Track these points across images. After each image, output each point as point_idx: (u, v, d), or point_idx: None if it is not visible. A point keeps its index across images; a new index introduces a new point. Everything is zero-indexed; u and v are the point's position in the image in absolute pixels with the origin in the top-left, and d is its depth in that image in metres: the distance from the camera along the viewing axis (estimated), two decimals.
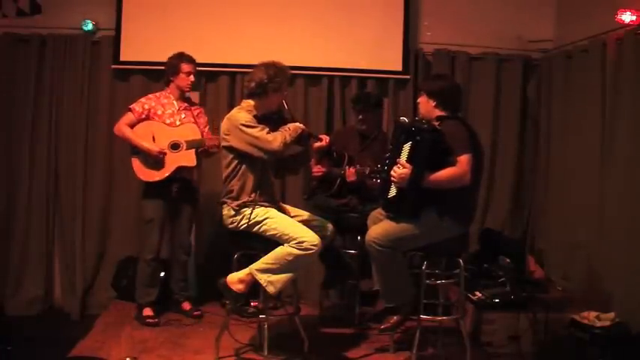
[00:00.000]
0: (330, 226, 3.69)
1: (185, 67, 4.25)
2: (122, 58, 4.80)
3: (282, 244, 3.41)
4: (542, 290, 4.25)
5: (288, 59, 3.72)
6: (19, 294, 4.74)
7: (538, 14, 5.08)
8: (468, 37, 5.05)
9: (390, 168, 3.38)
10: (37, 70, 4.77)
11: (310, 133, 3.75)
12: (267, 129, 3.49)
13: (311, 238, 3.39)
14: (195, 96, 4.82)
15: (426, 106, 3.50)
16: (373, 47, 4.96)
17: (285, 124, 3.62)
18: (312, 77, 4.97)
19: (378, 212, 3.61)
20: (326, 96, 4.98)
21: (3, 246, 4.77)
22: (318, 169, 4.33)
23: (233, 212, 3.52)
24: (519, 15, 5.08)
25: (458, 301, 3.72)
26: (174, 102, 4.30)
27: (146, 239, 4.26)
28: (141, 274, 4.28)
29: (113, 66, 4.82)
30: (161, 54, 4.34)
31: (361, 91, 4.88)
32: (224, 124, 3.58)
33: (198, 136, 4.24)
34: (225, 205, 3.57)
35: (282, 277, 3.40)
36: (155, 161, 4.15)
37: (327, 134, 4.15)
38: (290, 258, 3.38)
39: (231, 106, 4.43)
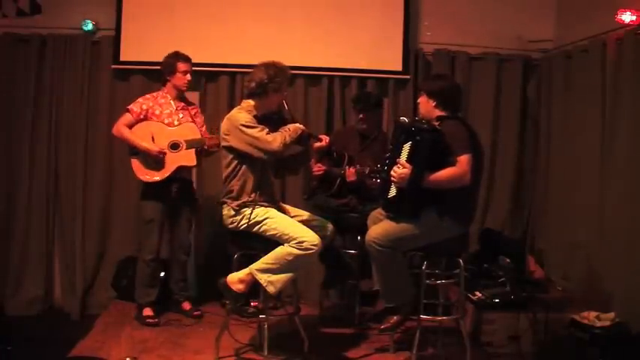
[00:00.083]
0: (330, 226, 3.69)
1: (181, 66, 4.24)
2: (122, 58, 4.80)
3: (282, 244, 3.41)
4: (542, 290, 4.25)
5: (288, 59, 3.72)
6: (19, 294, 4.74)
7: (538, 14, 5.08)
8: (467, 37, 5.05)
9: (390, 168, 3.38)
10: (37, 70, 4.77)
11: (310, 133, 3.75)
12: (266, 129, 3.49)
13: (311, 238, 3.39)
14: (195, 96, 4.83)
15: (426, 106, 3.50)
16: (373, 47, 4.96)
17: (285, 124, 3.62)
18: (312, 77, 4.97)
19: (378, 212, 3.61)
20: (326, 96, 4.98)
21: (3, 246, 4.77)
22: (318, 169, 4.33)
23: (233, 212, 3.52)
24: (519, 15, 5.08)
25: (458, 301, 3.72)
26: (172, 102, 4.30)
27: (146, 240, 4.26)
28: (140, 275, 4.28)
29: (113, 66, 4.82)
30: (161, 54, 4.33)
31: (361, 90, 4.88)
32: (224, 124, 3.58)
33: (198, 136, 4.24)
34: (225, 205, 3.57)
35: (282, 277, 3.40)
36: (155, 161, 4.15)
37: (327, 134, 4.15)
38: (290, 258, 3.38)
39: (231, 106, 4.43)
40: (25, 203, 4.79)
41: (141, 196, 4.29)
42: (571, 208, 4.52)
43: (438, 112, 3.46)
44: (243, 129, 3.47)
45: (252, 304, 4.16)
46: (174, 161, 4.17)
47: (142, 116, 4.20)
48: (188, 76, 4.28)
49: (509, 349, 3.90)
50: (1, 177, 4.78)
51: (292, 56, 4.43)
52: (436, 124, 3.37)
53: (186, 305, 4.42)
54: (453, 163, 3.27)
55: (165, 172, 4.16)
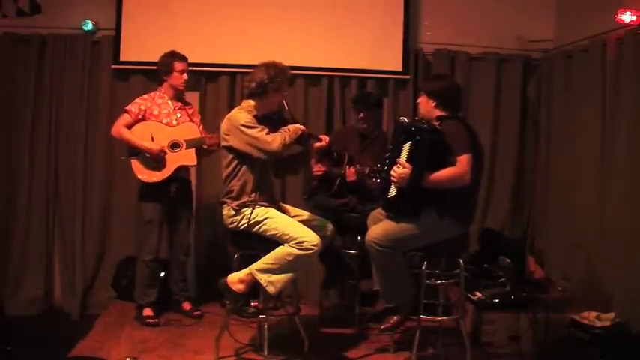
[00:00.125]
0: (330, 226, 3.69)
1: (178, 65, 4.24)
2: (122, 58, 4.80)
3: (282, 244, 3.41)
4: (542, 290, 4.25)
5: (288, 59, 3.72)
6: (19, 294, 4.74)
7: (538, 14, 5.07)
8: (467, 37, 5.05)
9: (390, 168, 3.38)
10: (37, 70, 4.77)
11: (310, 133, 3.75)
12: (266, 130, 3.49)
13: (311, 238, 3.39)
14: (195, 96, 4.83)
15: (426, 106, 3.50)
16: (373, 47, 4.96)
17: (285, 124, 3.62)
18: (312, 77, 4.96)
19: (378, 212, 3.61)
20: (326, 96, 4.98)
21: (3, 246, 4.77)
22: (318, 169, 4.32)
23: (233, 212, 3.52)
24: (519, 15, 5.08)
25: (458, 301, 3.72)
26: (169, 101, 4.29)
27: (145, 240, 4.26)
28: (140, 275, 4.28)
29: (113, 66, 4.82)
30: (161, 54, 4.32)
31: (361, 90, 4.88)
32: (224, 124, 3.58)
33: (198, 135, 4.24)
34: (225, 205, 3.57)
35: (283, 277, 3.40)
36: (156, 161, 4.14)
37: (327, 134, 4.15)
38: (290, 258, 3.38)
39: (231, 106, 4.43)
40: (25, 203, 4.79)
41: (139, 197, 4.28)
42: (571, 208, 4.52)
43: (438, 112, 3.46)
44: (243, 129, 3.47)
45: (252, 304, 4.15)
46: (174, 161, 4.17)
47: (140, 117, 4.19)
48: (185, 76, 4.27)
49: (509, 349, 3.90)
50: (1, 177, 4.78)
51: (292, 56, 4.43)
52: (436, 124, 3.37)
53: (186, 305, 4.42)
54: (452, 163, 3.27)
55: (166, 172, 4.15)
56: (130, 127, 4.17)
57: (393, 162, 3.38)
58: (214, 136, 4.12)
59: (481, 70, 5.08)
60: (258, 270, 3.41)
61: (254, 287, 3.46)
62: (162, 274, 4.44)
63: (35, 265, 4.80)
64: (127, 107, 4.21)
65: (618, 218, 3.95)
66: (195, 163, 4.24)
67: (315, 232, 3.45)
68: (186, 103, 4.41)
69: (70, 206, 4.85)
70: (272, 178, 3.75)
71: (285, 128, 3.57)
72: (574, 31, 4.63)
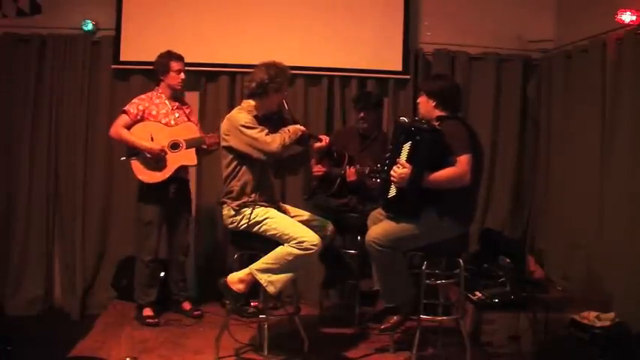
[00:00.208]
0: (330, 226, 3.69)
1: (175, 65, 4.23)
2: (122, 58, 4.80)
3: (282, 244, 3.41)
4: (542, 290, 4.25)
5: (288, 59, 3.72)
6: (19, 294, 4.74)
7: (538, 14, 5.08)
8: (467, 37, 5.05)
9: (390, 168, 3.38)
10: (37, 70, 4.77)
11: (310, 133, 3.75)
12: (266, 130, 3.49)
13: (311, 238, 3.39)
14: (195, 96, 4.83)
15: (426, 106, 3.50)
16: (373, 47, 4.96)
17: (286, 124, 3.62)
18: (312, 77, 4.96)
19: (378, 212, 3.62)
20: (326, 96, 4.98)
21: (3, 246, 4.77)
22: (318, 169, 4.33)
23: (233, 212, 3.52)
24: (519, 15, 5.08)
25: (458, 301, 3.72)
26: (167, 101, 4.28)
27: (144, 241, 4.25)
28: (139, 275, 4.28)
29: (113, 66, 4.82)
30: None
31: (362, 90, 4.88)
32: (224, 125, 3.58)
33: (197, 135, 4.23)
34: (225, 205, 3.57)
35: (283, 277, 3.40)
36: (156, 162, 4.14)
37: (327, 134, 4.16)
38: (290, 258, 3.38)
39: (231, 106, 4.43)
40: (25, 203, 4.79)
41: (139, 197, 4.28)
42: (571, 209, 4.52)
43: (438, 112, 3.46)
44: (243, 129, 3.47)
45: (252, 304, 4.14)
46: (175, 161, 4.16)
47: (138, 117, 4.18)
48: (182, 75, 4.27)
49: (509, 349, 3.90)
50: (1, 177, 4.78)
51: (292, 56, 4.43)
52: (436, 124, 3.37)
53: (186, 305, 4.42)
54: (452, 163, 3.27)
55: (167, 172, 4.15)
56: (128, 127, 4.16)
57: (393, 162, 3.38)
58: (214, 136, 4.12)
59: (481, 70, 5.08)
60: (258, 270, 3.41)
61: (254, 287, 3.46)
62: (162, 274, 4.44)
63: (35, 265, 4.80)
64: (125, 108, 4.20)
65: (618, 218, 3.95)
66: (195, 162, 4.24)
67: (315, 232, 3.45)
68: (183, 103, 4.41)
69: (70, 206, 4.85)
70: (272, 178, 3.76)
71: (285, 129, 3.57)
72: (574, 31, 4.63)
